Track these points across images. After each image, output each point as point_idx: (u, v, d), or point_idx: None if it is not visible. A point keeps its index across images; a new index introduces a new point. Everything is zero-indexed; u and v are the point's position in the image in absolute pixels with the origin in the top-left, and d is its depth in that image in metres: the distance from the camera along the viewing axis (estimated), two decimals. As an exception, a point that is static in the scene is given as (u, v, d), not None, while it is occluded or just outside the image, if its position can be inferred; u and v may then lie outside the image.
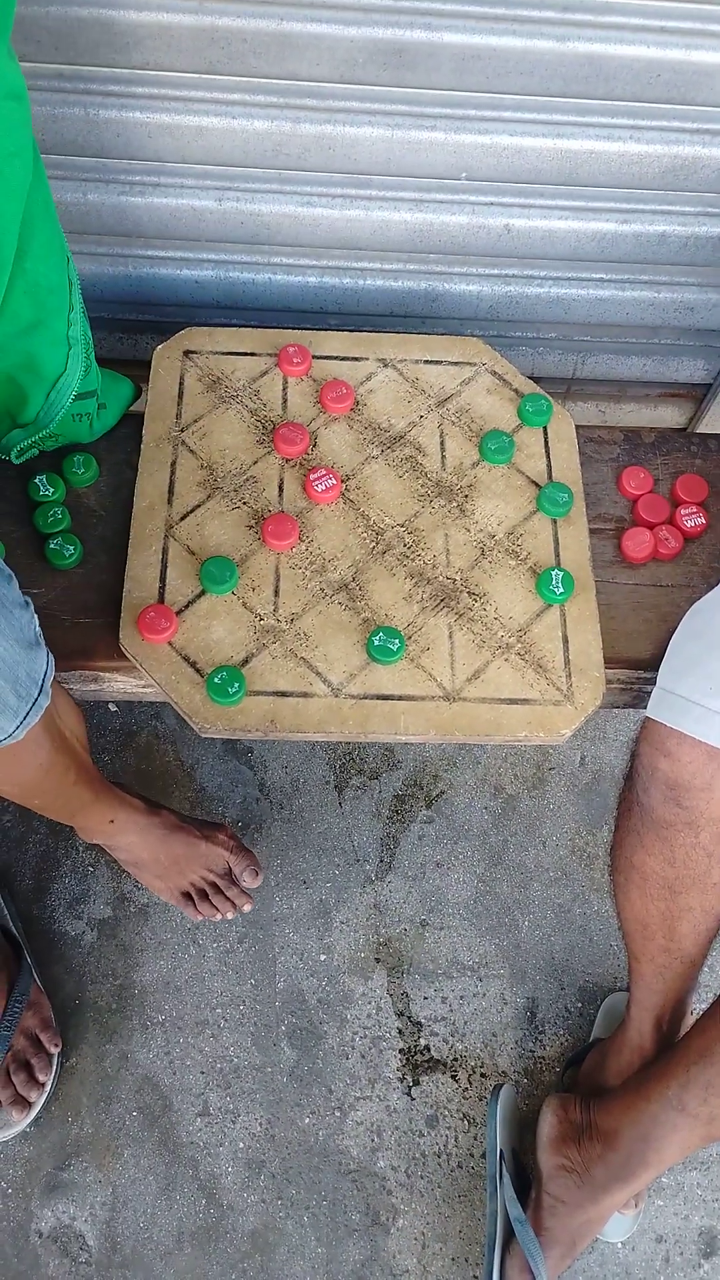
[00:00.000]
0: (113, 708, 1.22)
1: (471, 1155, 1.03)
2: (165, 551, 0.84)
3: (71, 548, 0.86)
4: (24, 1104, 0.98)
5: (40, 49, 0.78)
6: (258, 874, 1.03)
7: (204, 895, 1.01)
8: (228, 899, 1.02)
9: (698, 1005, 0.92)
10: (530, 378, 0.98)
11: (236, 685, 0.78)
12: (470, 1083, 1.06)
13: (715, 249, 0.96)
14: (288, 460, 0.89)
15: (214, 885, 1.01)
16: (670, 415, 1.17)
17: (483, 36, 0.78)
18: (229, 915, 1.02)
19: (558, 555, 0.87)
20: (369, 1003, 1.09)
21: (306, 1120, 1.03)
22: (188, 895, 1.01)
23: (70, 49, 0.78)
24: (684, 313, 1.03)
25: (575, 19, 0.78)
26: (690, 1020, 0.91)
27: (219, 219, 0.92)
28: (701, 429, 1.15)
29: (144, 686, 0.84)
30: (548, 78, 0.82)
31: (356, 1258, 0.99)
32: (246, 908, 1.03)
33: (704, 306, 1.02)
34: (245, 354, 0.94)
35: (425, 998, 1.10)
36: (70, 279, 0.73)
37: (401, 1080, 1.06)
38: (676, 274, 0.99)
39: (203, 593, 0.83)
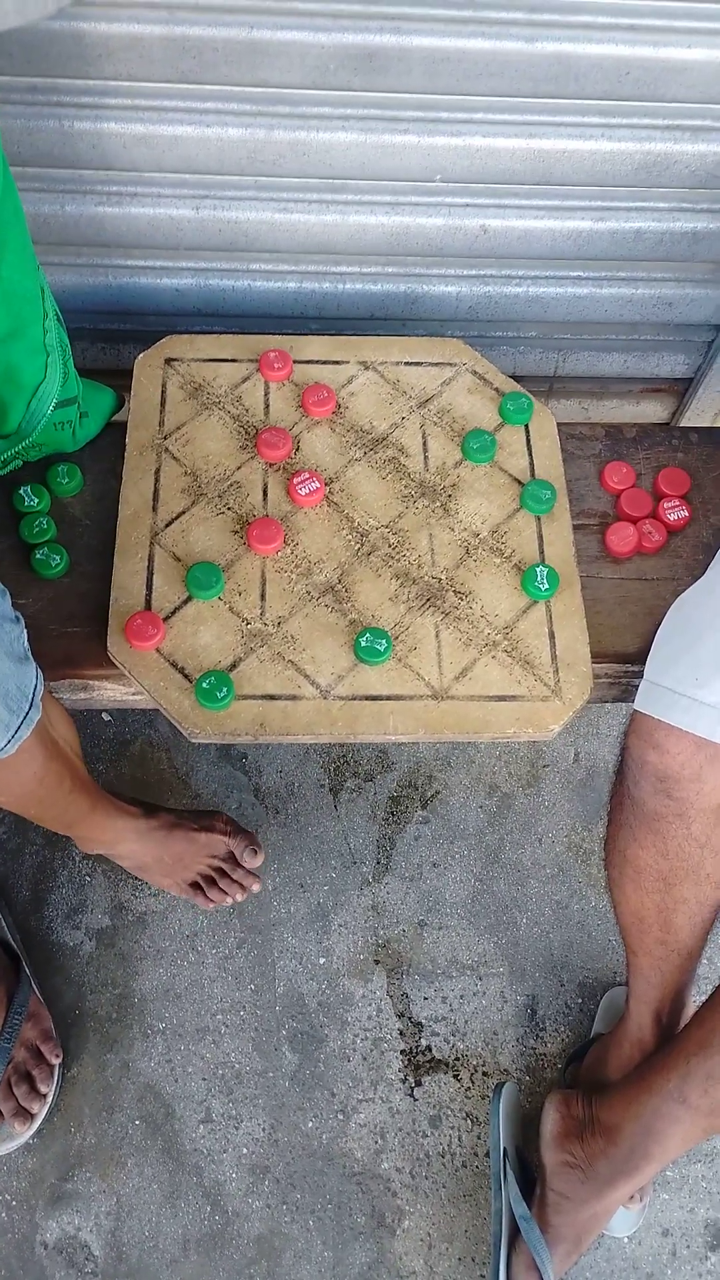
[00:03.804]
0: (106, 717, 1.22)
1: (475, 1154, 1.03)
2: (151, 559, 0.84)
3: (58, 557, 0.86)
4: (26, 1116, 0.98)
5: (12, 62, 0.79)
6: (258, 852, 1.04)
7: (211, 882, 1.03)
8: (235, 881, 1.04)
9: (696, 998, 0.92)
10: (512, 377, 0.99)
11: (225, 690, 0.78)
12: (472, 1082, 1.06)
13: (690, 244, 0.97)
14: (271, 465, 0.90)
15: (219, 870, 1.03)
16: (653, 410, 1.18)
17: (451, 39, 0.79)
18: (239, 898, 1.04)
19: (542, 552, 0.88)
20: (369, 1005, 1.09)
21: (310, 1124, 1.03)
22: (195, 885, 1.02)
23: (43, 62, 0.79)
24: (662, 308, 1.03)
25: (543, 19, 0.78)
26: (689, 1013, 0.91)
27: (197, 227, 0.93)
28: (684, 423, 1.16)
29: (133, 694, 0.84)
30: (518, 78, 0.82)
31: (363, 1260, 0.99)
32: (255, 887, 1.05)
33: (682, 301, 1.03)
34: (226, 360, 0.94)
35: (425, 998, 1.10)
36: (42, 286, 0.74)
37: (404, 1081, 1.06)
38: (653, 270, 1.00)
39: (189, 599, 0.83)
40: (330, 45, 0.79)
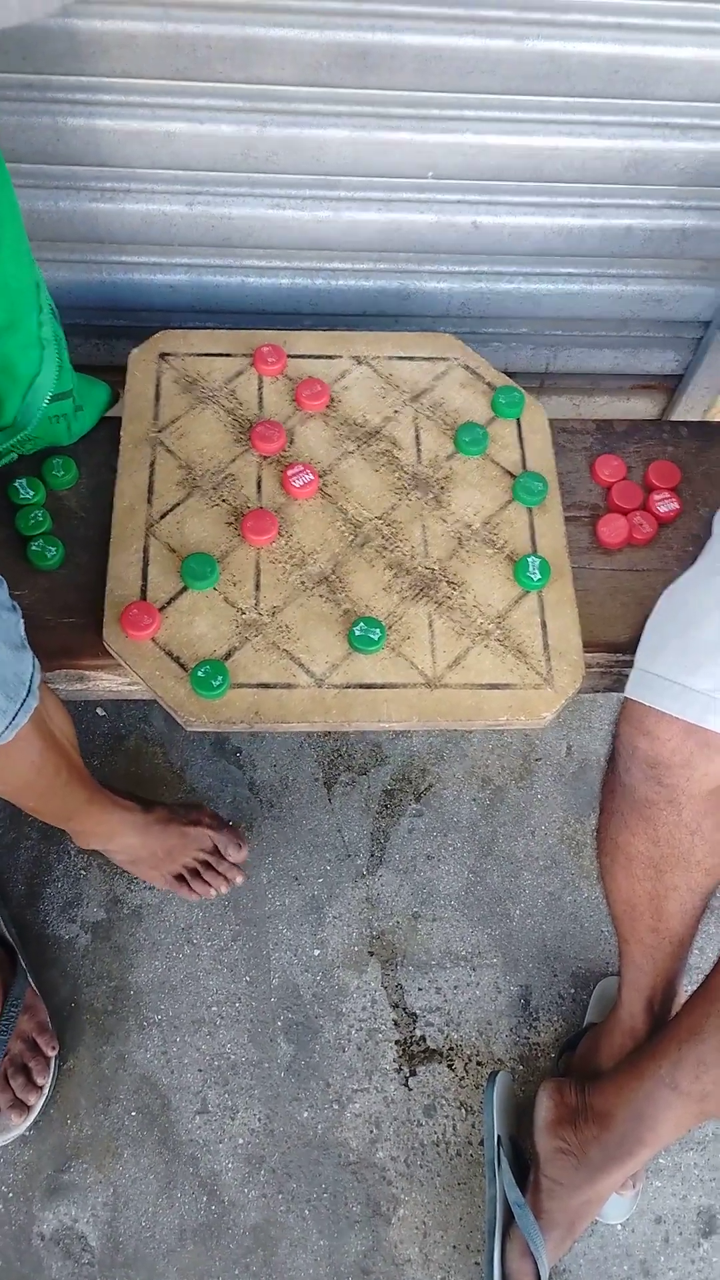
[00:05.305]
0: (101, 711, 1.23)
1: (470, 1143, 1.04)
2: (146, 550, 0.85)
3: (53, 549, 0.86)
4: (22, 1107, 0.98)
5: (7, 59, 0.79)
6: (241, 846, 1.07)
7: (195, 874, 1.05)
8: (219, 874, 1.06)
9: (687, 987, 0.93)
10: (504, 374, 1.00)
11: (220, 678, 0.79)
12: (467, 1071, 1.07)
13: (679, 241, 0.98)
14: (265, 457, 0.90)
15: (204, 863, 1.05)
16: (643, 407, 1.19)
17: (443, 37, 0.80)
18: (223, 890, 1.07)
19: (534, 543, 0.88)
20: (364, 996, 1.09)
21: (305, 1114, 1.04)
22: (179, 878, 1.04)
23: (37, 58, 0.80)
24: (652, 304, 1.05)
25: (533, 18, 0.79)
26: (681, 1001, 0.91)
27: (190, 223, 0.94)
28: (673, 418, 1.17)
29: (129, 684, 0.85)
30: (509, 76, 0.83)
31: (359, 1249, 0.99)
32: (239, 879, 1.07)
33: (672, 298, 1.04)
34: (220, 355, 0.95)
35: (420, 989, 1.10)
36: (37, 280, 0.74)
37: (398, 1071, 1.06)
38: (643, 266, 1.01)
39: (184, 589, 0.84)
40: (323, 43, 0.80)
